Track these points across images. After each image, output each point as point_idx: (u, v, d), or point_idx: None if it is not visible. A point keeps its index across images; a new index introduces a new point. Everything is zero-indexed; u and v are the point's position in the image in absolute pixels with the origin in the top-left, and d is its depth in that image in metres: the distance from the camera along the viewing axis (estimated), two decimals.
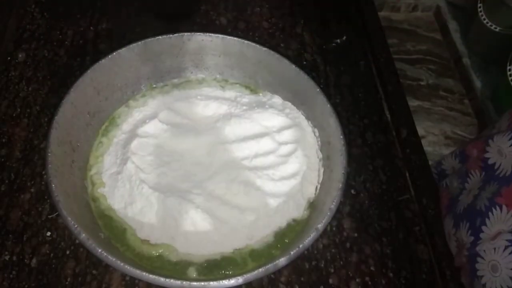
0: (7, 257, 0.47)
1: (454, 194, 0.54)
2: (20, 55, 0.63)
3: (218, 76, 0.60)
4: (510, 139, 0.48)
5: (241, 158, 0.51)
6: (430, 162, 0.57)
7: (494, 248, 0.45)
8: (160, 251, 0.45)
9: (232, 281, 0.39)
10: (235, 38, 0.55)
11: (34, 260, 0.47)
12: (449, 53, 0.70)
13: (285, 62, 0.54)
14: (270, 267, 0.40)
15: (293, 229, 0.48)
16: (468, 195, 0.51)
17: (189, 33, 0.55)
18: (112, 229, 0.46)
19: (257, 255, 0.46)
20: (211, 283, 0.39)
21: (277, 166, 0.50)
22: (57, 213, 0.49)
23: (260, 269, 0.40)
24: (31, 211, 0.50)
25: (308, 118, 0.55)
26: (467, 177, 0.53)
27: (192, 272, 0.44)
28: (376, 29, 0.69)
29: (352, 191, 0.55)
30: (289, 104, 0.56)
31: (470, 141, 0.55)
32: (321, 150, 0.52)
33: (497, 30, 0.63)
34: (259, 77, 0.58)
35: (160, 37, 0.54)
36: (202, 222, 0.45)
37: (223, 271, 0.45)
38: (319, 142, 0.53)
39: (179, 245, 0.45)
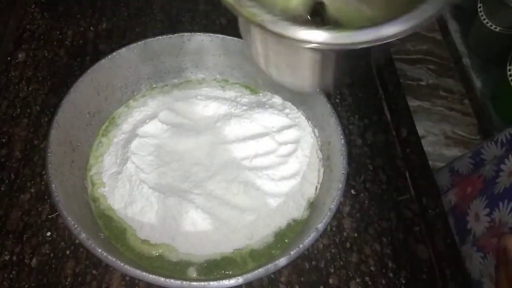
0: (7, 257, 0.47)
1: (489, 176, 0.54)
2: (20, 55, 0.63)
3: (218, 76, 0.60)
4: None
5: (241, 158, 0.51)
6: (430, 162, 0.57)
7: None
8: (160, 251, 0.45)
9: (232, 281, 0.39)
10: (235, 38, 0.55)
11: (34, 260, 0.47)
12: (449, 53, 0.70)
13: None
14: (270, 267, 0.40)
15: (293, 229, 0.48)
16: (510, 176, 0.51)
17: (189, 33, 0.55)
18: (112, 229, 0.46)
19: (257, 255, 0.46)
20: (211, 283, 0.39)
21: (277, 166, 0.50)
22: (57, 213, 0.49)
23: (260, 269, 0.40)
24: (31, 211, 0.50)
25: (308, 118, 0.55)
26: (506, 158, 0.53)
27: (192, 272, 0.44)
28: None
29: (352, 191, 0.55)
30: (289, 104, 0.56)
31: None
32: (321, 150, 0.52)
33: (497, 30, 0.63)
34: (259, 77, 0.58)
35: (160, 37, 0.54)
36: (202, 222, 0.45)
37: (223, 271, 0.45)
38: (319, 142, 0.53)
39: (179, 245, 0.45)
